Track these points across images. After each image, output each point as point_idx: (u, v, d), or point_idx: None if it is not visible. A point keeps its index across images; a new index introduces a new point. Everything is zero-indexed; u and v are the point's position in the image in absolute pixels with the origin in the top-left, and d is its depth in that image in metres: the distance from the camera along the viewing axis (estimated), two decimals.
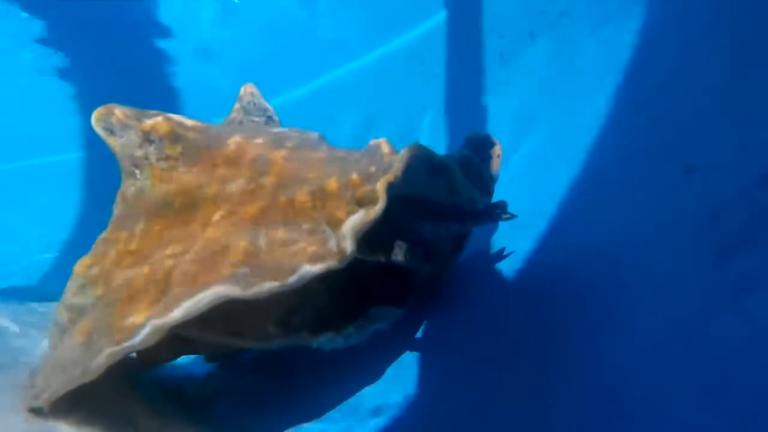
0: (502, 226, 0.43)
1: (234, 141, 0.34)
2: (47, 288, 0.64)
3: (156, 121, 0.34)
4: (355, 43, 0.73)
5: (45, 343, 0.37)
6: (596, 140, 0.40)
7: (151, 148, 0.34)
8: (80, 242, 0.73)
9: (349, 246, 0.28)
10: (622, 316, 0.28)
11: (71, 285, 0.33)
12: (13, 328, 0.44)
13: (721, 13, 0.34)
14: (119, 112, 0.34)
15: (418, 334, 0.40)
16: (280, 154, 0.34)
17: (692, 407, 0.21)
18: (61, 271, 0.69)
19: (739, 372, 0.20)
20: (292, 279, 0.27)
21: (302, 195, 0.31)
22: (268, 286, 0.27)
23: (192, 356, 0.44)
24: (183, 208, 0.32)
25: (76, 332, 0.30)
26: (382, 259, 0.33)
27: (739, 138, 0.28)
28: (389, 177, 0.29)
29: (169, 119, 0.34)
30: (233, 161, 0.34)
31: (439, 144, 0.57)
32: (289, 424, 0.35)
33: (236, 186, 0.32)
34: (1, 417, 0.31)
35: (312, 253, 0.28)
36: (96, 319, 0.30)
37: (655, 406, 0.22)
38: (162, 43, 0.83)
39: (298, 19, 0.79)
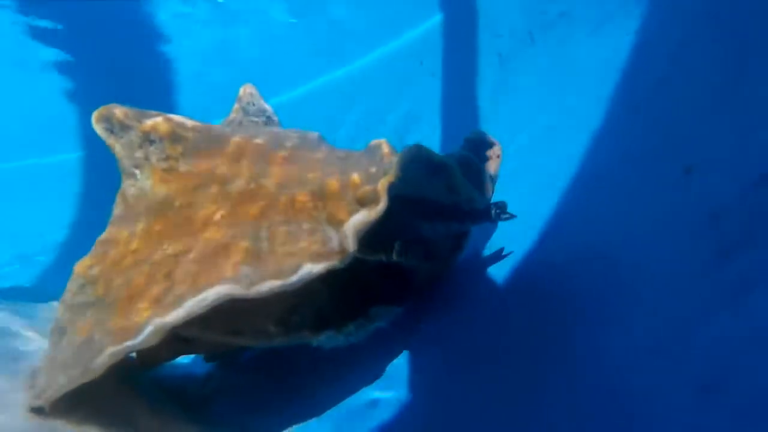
0: (502, 226, 0.44)
1: (234, 141, 0.35)
2: (46, 288, 0.64)
3: (156, 121, 0.34)
4: (354, 43, 0.73)
5: (45, 343, 0.37)
6: (595, 140, 0.40)
7: (152, 149, 0.34)
8: (79, 242, 0.73)
9: (350, 245, 0.28)
10: (621, 316, 0.28)
11: (72, 285, 0.33)
12: (13, 327, 0.44)
13: (719, 13, 0.34)
14: (119, 112, 0.34)
15: (418, 333, 0.40)
16: (280, 155, 0.34)
17: (692, 407, 0.21)
18: (60, 270, 0.69)
19: (739, 372, 0.20)
20: (294, 278, 0.27)
21: (303, 195, 0.31)
22: (270, 285, 0.27)
23: (191, 356, 0.44)
24: (183, 208, 0.33)
25: (77, 332, 0.31)
26: (383, 258, 0.33)
27: (739, 138, 0.28)
28: (390, 177, 0.29)
29: (169, 120, 0.34)
30: (233, 161, 0.34)
31: (438, 144, 0.57)
32: (289, 423, 0.35)
33: (237, 186, 0.32)
34: (2, 416, 0.31)
35: (313, 252, 0.28)
36: (97, 319, 0.30)
37: (655, 406, 0.22)
38: (161, 44, 0.83)
39: (297, 20, 0.79)
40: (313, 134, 0.38)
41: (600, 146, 0.40)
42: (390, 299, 0.37)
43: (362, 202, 0.29)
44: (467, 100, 0.57)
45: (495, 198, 0.38)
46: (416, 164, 0.31)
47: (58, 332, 0.33)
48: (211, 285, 0.27)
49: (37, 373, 0.34)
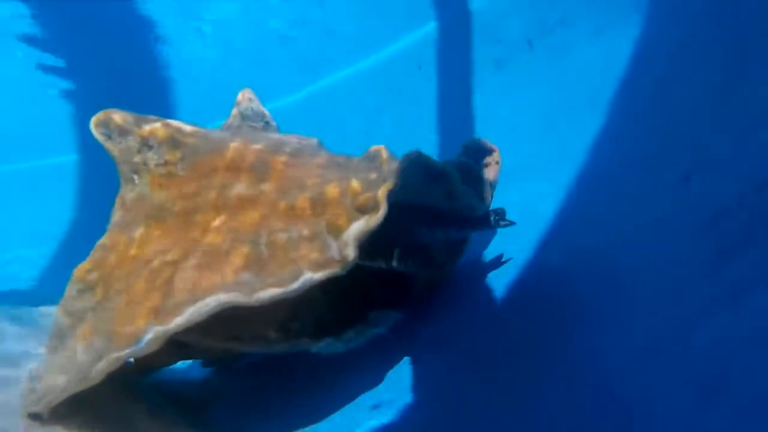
0: (501, 231, 0.44)
1: (233, 146, 0.35)
2: (44, 291, 0.64)
3: (155, 126, 0.34)
4: (352, 47, 0.73)
5: (43, 348, 0.37)
6: (593, 147, 0.40)
7: (150, 154, 0.34)
8: (77, 245, 0.73)
9: (351, 253, 0.28)
10: (621, 318, 0.28)
11: (70, 290, 0.33)
12: (10, 331, 0.44)
13: (719, 17, 0.34)
14: (118, 117, 0.35)
15: (417, 339, 0.40)
16: (279, 160, 0.34)
17: (692, 407, 0.21)
18: (57, 274, 0.68)
19: (739, 372, 0.20)
20: (295, 285, 0.27)
21: (302, 201, 0.31)
22: (271, 292, 0.27)
23: (189, 361, 0.44)
24: (182, 214, 0.33)
25: (76, 337, 0.31)
26: (382, 265, 0.33)
27: (739, 139, 0.28)
28: (389, 184, 0.29)
29: (167, 125, 0.34)
30: (233, 167, 0.34)
31: (436, 149, 0.57)
32: (288, 428, 0.35)
33: (236, 192, 0.33)
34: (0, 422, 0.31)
35: (314, 259, 0.28)
36: (96, 325, 0.30)
37: (655, 407, 0.22)
38: (159, 47, 0.83)
39: (296, 25, 0.79)
40: (313, 140, 0.39)
41: (599, 151, 0.40)
42: (389, 305, 0.37)
43: (362, 209, 0.29)
44: (466, 106, 0.58)
45: (494, 204, 0.38)
46: (416, 171, 0.31)
47: (57, 337, 0.33)
48: (212, 292, 0.27)
49: (35, 378, 0.34)
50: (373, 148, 0.35)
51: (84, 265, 0.33)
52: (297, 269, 0.28)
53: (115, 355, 0.27)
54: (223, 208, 0.32)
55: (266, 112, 0.44)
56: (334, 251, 0.28)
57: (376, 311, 0.36)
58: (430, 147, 0.58)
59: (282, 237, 0.29)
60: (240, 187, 0.33)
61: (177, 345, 0.34)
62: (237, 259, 0.28)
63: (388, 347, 0.38)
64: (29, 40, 0.83)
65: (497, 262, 0.41)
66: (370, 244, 0.30)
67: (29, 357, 0.39)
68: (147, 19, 0.82)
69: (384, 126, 0.64)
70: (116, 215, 0.35)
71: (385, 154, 0.33)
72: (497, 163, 0.39)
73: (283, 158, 0.34)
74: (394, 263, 0.34)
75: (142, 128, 0.34)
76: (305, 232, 0.29)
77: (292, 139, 0.38)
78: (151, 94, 0.81)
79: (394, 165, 0.33)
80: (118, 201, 0.35)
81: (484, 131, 0.43)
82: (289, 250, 0.29)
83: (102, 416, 0.33)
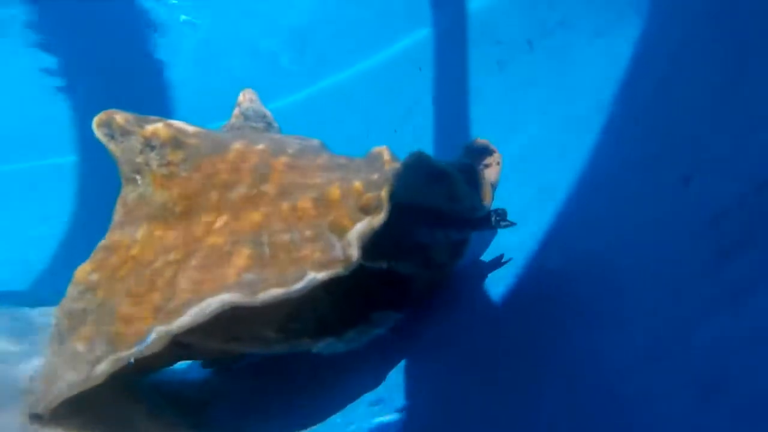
0: (501, 232, 0.44)
1: (235, 147, 0.35)
2: (42, 292, 0.64)
3: (157, 127, 0.34)
4: (352, 48, 0.73)
5: (43, 349, 0.37)
6: (594, 146, 0.40)
7: (152, 154, 0.34)
8: (75, 247, 0.73)
9: (355, 253, 0.28)
10: (621, 319, 0.28)
11: (71, 291, 0.33)
12: (9, 332, 0.44)
13: (719, 20, 0.35)
14: (120, 117, 0.34)
15: (418, 339, 0.40)
16: (281, 161, 0.34)
17: (692, 407, 0.21)
18: (56, 275, 0.68)
19: (739, 372, 0.20)
20: (298, 286, 0.27)
21: (305, 202, 0.31)
22: (274, 293, 0.27)
23: (188, 362, 0.44)
24: (184, 215, 0.33)
25: (77, 338, 0.31)
26: (384, 265, 0.33)
27: (739, 140, 0.28)
28: (392, 185, 0.29)
29: (170, 125, 0.34)
30: (235, 168, 0.34)
31: (437, 150, 0.57)
32: (288, 428, 0.36)
33: (238, 192, 0.33)
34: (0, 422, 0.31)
35: (317, 260, 0.28)
36: (97, 326, 0.30)
37: (655, 407, 0.22)
38: (160, 47, 0.83)
39: (296, 25, 0.79)
40: (314, 141, 0.39)
41: (599, 152, 0.40)
42: (390, 305, 0.37)
43: (365, 210, 0.29)
44: (466, 107, 0.58)
45: (495, 205, 0.38)
46: (418, 172, 0.31)
47: (57, 338, 0.33)
48: (215, 293, 0.27)
49: (36, 379, 0.33)
50: (375, 149, 0.35)
51: (85, 266, 0.33)
52: (300, 269, 0.28)
53: (118, 355, 0.27)
54: (225, 208, 0.32)
55: (268, 113, 0.44)
56: (337, 251, 0.28)
57: (377, 311, 0.36)
58: (430, 148, 0.59)
59: (284, 237, 0.29)
60: (242, 188, 0.33)
61: (177, 345, 0.34)
62: (240, 260, 0.28)
63: (388, 348, 0.38)
64: (29, 40, 0.83)
65: (497, 262, 0.41)
66: (372, 245, 0.30)
67: (29, 358, 0.39)
68: (147, 19, 0.82)
69: (385, 127, 0.64)
70: (118, 216, 0.35)
71: (387, 155, 0.33)
72: (498, 164, 0.39)
73: (284, 159, 0.34)
74: (396, 264, 0.34)
75: (145, 128, 0.34)
76: (308, 232, 0.30)
77: (294, 140, 0.38)
78: (151, 95, 0.81)
79: (396, 166, 0.33)
80: (119, 201, 0.35)
81: (485, 132, 0.43)
82: (292, 251, 0.29)
83: (102, 417, 0.33)
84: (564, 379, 0.28)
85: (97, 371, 0.28)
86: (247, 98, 0.45)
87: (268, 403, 0.40)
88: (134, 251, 0.32)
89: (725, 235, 0.25)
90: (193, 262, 0.29)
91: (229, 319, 0.30)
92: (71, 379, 0.29)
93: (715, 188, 0.28)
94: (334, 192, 0.31)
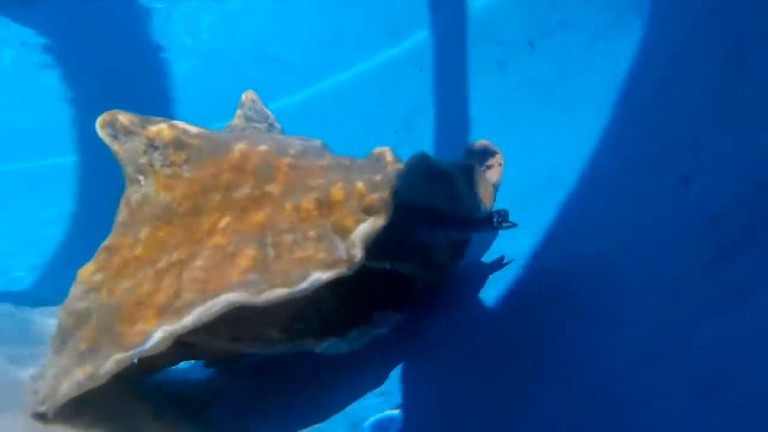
0: (501, 233, 0.44)
1: (238, 148, 0.35)
2: (42, 293, 0.64)
3: (161, 127, 0.34)
4: (353, 49, 0.73)
5: (45, 349, 0.37)
6: (594, 147, 0.41)
7: (156, 155, 0.34)
8: (75, 247, 0.73)
9: (358, 253, 0.28)
10: (621, 319, 0.29)
11: (75, 291, 0.33)
12: (10, 332, 0.44)
13: (718, 21, 0.35)
14: (123, 118, 0.35)
15: (419, 339, 0.40)
16: (284, 162, 0.34)
17: (692, 408, 0.21)
18: (55, 275, 0.68)
19: (739, 372, 0.21)
20: (303, 286, 0.27)
21: (308, 202, 0.31)
22: (279, 293, 0.27)
23: (191, 362, 0.44)
24: (188, 215, 0.33)
25: (82, 338, 0.31)
26: (387, 265, 0.34)
27: (738, 141, 0.29)
28: (395, 186, 0.29)
29: (173, 126, 0.34)
30: (238, 168, 0.34)
31: (439, 151, 0.57)
32: (289, 428, 0.36)
33: (241, 193, 0.33)
34: (4, 422, 0.31)
35: (321, 260, 0.28)
36: (102, 325, 0.30)
37: (655, 407, 0.22)
38: (160, 48, 0.83)
39: (298, 26, 0.80)
40: (317, 141, 0.39)
41: (599, 152, 0.41)
42: (392, 305, 0.37)
43: (368, 211, 0.30)
44: (467, 107, 0.58)
45: (496, 206, 0.38)
46: (420, 173, 0.31)
47: (61, 338, 0.33)
48: (220, 292, 0.27)
49: (40, 379, 0.34)
50: (378, 149, 0.35)
51: (89, 266, 0.33)
52: (305, 270, 0.28)
53: (123, 355, 0.27)
54: (229, 209, 0.32)
55: (270, 114, 0.44)
56: (341, 252, 0.29)
57: (379, 311, 0.36)
58: (431, 148, 0.59)
59: (288, 238, 0.30)
60: (245, 189, 0.33)
61: (181, 345, 0.34)
62: (244, 260, 0.28)
63: (389, 348, 0.38)
64: (29, 40, 0.83)
65: (498, 263, 0.41)
66: (375, 245, 0.30)
67: (31, 358, 0.39)
68: (148, 20, 0.82)
69: (386, 127, 0.65)
70: (121, 216, 0.35)
71: (389, 155, 0.34)
72: (500, 165, 0.39)
73: (287, 160, 0.34)
74: (398, 264, 0.34)
75: (148, 129, 0.34)
76: (311, 233, 0.30)
77: (296, 141, 0.38)
78: (152, 95, 0.81)
79: (399, 167, 0.33)
80: (123, 202, 0.35)
81: (486, 133, 0.43)
82: (296, 251, 0.29)
83: (106, 417, 0.33)
84: (564, 378, 0.28)
85: (101, 371, 0.28)
86: (249, 99, 0.45)
87: (269, 402, 0.40)
88: (138, 251, 0.32)
89: (725, 235, 0.25)
90: (198, 262, 0.29)
91: (234, 319, 0.30)
92: (76, 379, 0.29)
93: (715, 188, 0.28)
94: (338, 193, 0.31)
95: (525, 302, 0.36)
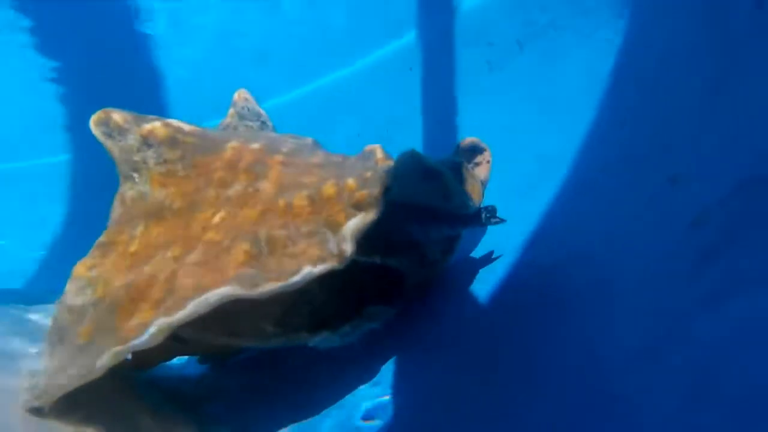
0: (491, 229, 0.45)
1: (231, 146, 0.35)
2: (35, 291, 0.64)
3: (154, 125, 0.35)
4: (345, 49, 0.74)
5: (41, 345, 0.37)
6: (582, 147, 0.41)
7: (150, 153, 0.35)
8: (68, 245, 0.73)
9: (349, 248, 0.29)
10: (607, 317, 0.29)
11: (71, 287, 0.34)
12: (6, 329, 0.44)
13: (704, 27, 0.35)
14: (118, 116, 0.35)
15: (410, 335, 0.41)
16: (276, 159, 0.35)
17: (682, 404, 0.21)
18: (48, 274, 0.68)
19: (722, 367, 0.21)
20: (295, 279, 0.28)
21: (300, 199, 0.32)
22: (272, 286, 0.28)
23: (185, 357, 0.44)
24: (182, 212, 0.33)
25: (78, 333, 0.31)
26: (377, 260, 0.34)
27: (720, 145, 0.29)
28: (385, 182, 0.30)
29: (167, 124, 0.35)
30: (231, 166, 0.34)
31: (429, 149, 0.58)
32: (285, 422, 0.36)
33: (235, 190, 0.33)
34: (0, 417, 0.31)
35: (313, 254, 0.29)
36: (98, 320, 0.30)
37: (646, 402, 0.23)
38: (153, 47, 0.83)
39: (290, 25, 0.80)
40: (308, 139, 0.39)
41: (587, 151, 0.41)
42: (384, 300, 0.38)
43: (359, 206, 0.30)
44: (457, 106, 0.58)
45: (485, 202, 0.39)
46: (410, 169, 0.32)
47: (57, 334, 0.34)
48: (215, 286, 0.27)
49: (36, 374, 0.34)
50: (368, 147, 0.36)
51: (84, 262, 0.33)
52: (297, 264, 0.29)
53: (119, 348, 0.27)
54: (223, 206, 0.33)
55: (262, 112, 0.45)
56: (332, 246, 0.29)
57: (370, 306, 0.37)
58: (422, 146, 0.59)
59: (281, 233, 0.30)
60: (238, 186, 0.33)
61: (176, 341, 0.35)
62: (238, 255, 0.29)
63: (381, 342, 0.39)
64: (23, 39, 0.83)
65: (488, 259, 0.42)
66: (366, 240, 0.31)
67: (26, 354, 0.39)
68: (142, 19, 0.82)
69: (377, 126, 0.65)
70: (116, 213, 0.35)
71: (380, 153, 0.34)
72: (488, 162, 0.40)
73: (280, 158, 0.35)
74: (389, 259, 0.35)
75: (142, 127, 0.34)
76: (304, 228, 0.30)
77: (289, 139, 0.38)
78: (146, 94, 0.81)
79: (389, 163, 0.34)
80: (117, 199, 0.36)
81: (475, 131, 0.44)
82: (289, 246, 0.29)
83: (102, 411, 0.33)
84: (554, 371, 0.29)
85: (98, 364, 0.28)
86: (242, 98, 0.45)
87: (264, 397, 0.40)
88: (133, 248, 0.33)
89: (707, 238, 0.26)
90: (193, 257, 0.30)
91: (228, 314, 0.31)
92: (73, 373, 0.29)
93: (697, 191, 0.29)
94: (329, 189, 0.31)
95: (514, 297, 0.37)
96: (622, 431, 0.23)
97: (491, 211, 0.38)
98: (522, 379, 0.30)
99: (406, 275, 0.39)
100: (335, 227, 0.30)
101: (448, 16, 0.63)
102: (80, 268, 0.33)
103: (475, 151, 0.40)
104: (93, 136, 0.36)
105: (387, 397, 0.35)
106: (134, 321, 0.28)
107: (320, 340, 0.35)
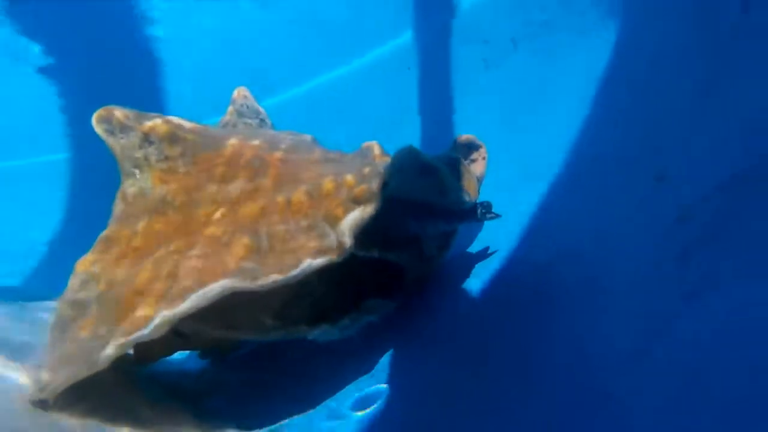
0: (486, 225, 0.45)
1: (231, 143, 0.36)
2: (35, 288, 0.64)
3: (156, 122, 0.35)
4: (343, 47, 0.74)
5: (42, 340, 0.38)
6: (574, 146, 0.42)
7: (151, 149, 0.35)
8: (69, 243, 0.73)
9: (348, 241, 0.30)
10: (595, 312, 0.30)
11: (73, 282, 0.34)
12: (7, 326, 0.44)
13: (694, 30, 0.36)
14: (119, 113, 0.36)
15: (407, 329, 0.41)
16: (276, 156, 0.35)
17: (666, 396, 0.22)
18: (48, 271, 0.69)
19: (704, 360, 0.22)
20: (295, 272, 0.29)
21: (299, 194, 0.32)
22: (273, 278, 0.28)
23: (186, 353, 0.45)
24: (183, 208, 0.34)
25: (81, 327, 0.32)
26: (375, 254, 0.35)
27: (706, 149, 0.30)
28: (383, 177, 0.31)
29: (168, 121, 0.35)
30: (231, 162, 0.35)
31: (426, 146, 0.58)
32: (283, 415, 0.37)
33: (235, 186, 0.34)
34: (5, 409, 0.32)
35: (313, 248, 0.29)
36: (101, 314, 0.31)
37: (631, 399, 0.23)
38: (153, 45, 0.83)
39: (288, 24, 0.80)
40: (307, 136, 0.40)
41: (579, 149, 0.42)
42: (382, 294, 0.38)
43: (357, 201, 0.31)
44: (454, 104, 0.59)
45: (480, 198, 0.39)
46: (407, 165, 0.32)
47: (60, 328, 0.34)
48: (216, 279, 0.28)
49: (39, 368, 0.34)
50: (366, 143, 0.36)
51: (87, 258, 0.34)
52: (297, 257, 0.29)
53: (123, 340, 0.28)
54: (223, 202, 0.33)
55: (261, 110, 0.45)
56: (332, 239, 0.30)
57: (369, 300, 0.38)
58: (419, 142, 0.60)
59: (281, 228, 0.31)
60: (239, 182, 0.34)
61: (175, 334, 0.35)
62: (239, 249, 0.30)
63: (379, 335, 0.40)
64: (23, 38, 0.83)
65: (483, 254, 0.43)
66: (364, 234, 0.32)
67: (29, 349, 0.39)
68: (141, 17, 0.82)
69: (375, 123, 0.66)
70: (118, 209, 0.36)
71: (377, 149, 0.35)
72: (484, 158, 0.40)
73: (279, 154, 0.36)
74: (387, 253, 0.35)
75: (144, 124, 0.35)
76: (303, 223, 0.31)
77: (287, 136, 0.39)
78: (145, 92, 0.81)
79: (387, 160, 0.34)
80: (119, 195, 0.36)
81: (471, 128, 0.44)
82: (289, 240, 0.30)
83: (104, 404, 0.34)
84: (546, 364, 0.30)
85: (102, 356, 0.29)
86: (241, 95, 0.46)
87: (263, 391, 0.41)
88: (135, 243, 0.33)
89: (690, 234, 0.27)
90: (194, 251, 0.30)
91: (228, 307, 0.32)
92: (76, 366, 0.30)
93: (681, 190, 0.30)
94: (328, 185, 0.32)
95: (507, 293, 0.38)
96: (611, 425, 0.23)
97: (487, 206, 0.38)
98: (514, 375, 0.31)
99: (403, 269, 0.39)
100: (334, 221, 0.31)
101: (445, 15, 0.64)
102: (83, 264, 0.34)
103: (471, 147, 0.40)
104: (94, 134, 0.36)
105: (384, 385, 0.36)
106: (138, 313, 0.28)
107: (319, 333, 0.35)
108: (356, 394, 0.37)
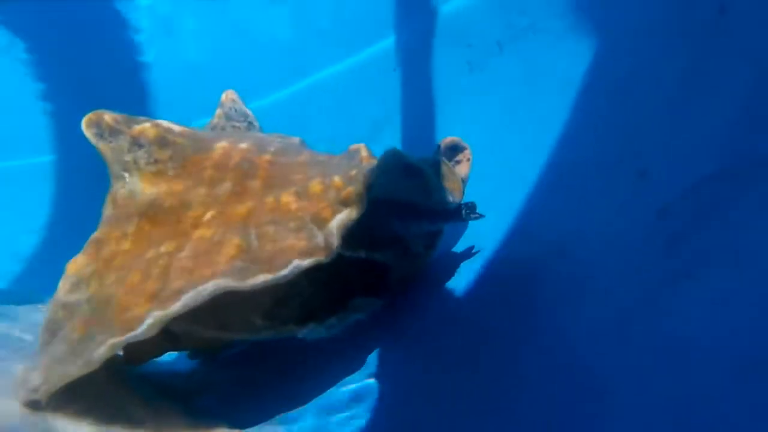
0: (471, 225, 0.46)
1: (220, 146, 0.36)
2: (25, 291, 0.64)
3: (145, 126, 0.36)
4: (329, 50, 0.75)
5: (34, 342, 0.38)
6: (556, 145, 0.43)
7: (140, 153, 0.36)
8: (55, 245, 0.73)
9: (335, 241, 0.31)
10: (579, 307, 0.31)
11: (64, 284, 0.35)
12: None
13: (674, 31, 0.37)
14: (109, 117, 0.36)
15: (394, 328, 0.42)
16: (265, 158, 0.36)
17: (658, 378, 0.23)
18: (38, 273, 0.69)
19: (682, 347, 0.23)
20: (285, 272, 0.29)
21: (288, 196, 0.33)
22: (263, 278, 0.29)
23: (176, 353, 0.45)
24: (173, 210, 0.34)
25: (73, 328, 0.32)
26: (362, 254, 0.36)
27: (684, 147, 0.31)
28: (369, 179, 0.31)
29: (157, 125, 0.36)
30: (220, 165, 0.36)
31: (411, 147, 0.59)
32: (273, 412, 0.37)
33: (224, 188, 0.34)
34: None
35: (301, 248, 0.30)
36: (93, 314, 0.32)
37: (630, 384, 0.24)
38: (141, 47, 0.83)
39: (275, 26, 0.81)
40: (295, 139, 0.41)
41: (561, 148, 0.43)
42: (369, 293, 0.39)
43: (344, 203, 0.32)
44: (439, 106, 0.60)
45: (465, 198, 0.40)
46: (393, 167, 0.33)
47: (51, 330, 0.35)
48: (208, 278, 0.29)
49: (31, 370, 0.35)
50: (353, 146, 0.37)
51: (78, 259, 0.34)
52: (286, 257, 0.30)
53: (116, 340, 0.29)
54: (213, 204, 0.34)
55: (249, 112, 0.46)
56: (320, 240, 0.31)
57: (356, 299, 0.38)
58: (404, 144, 0.61)
59: (270, 229, 0.32)
60: (228, 185, 0.35)
61: (167, 335, 0.36)
62: (229, 249, 0.30)
63: (367, 334, 0.40)
64: (10, 40, 0.83)
65: (468, 253, 0.44)
66: (351, 235, 0.32)
67: (21, 351, 0.40)
68: (129, 20, 0.82)
69: (361, 125, 0.66)
70: (107, 212, 0.36)
71: (364, 151, 0.36)
72: (468, 160, 0.41)
73: (267, 157, 0.36)
74: (373, 253, 0.36)
75: (133, 128, 0.35)
76: (292, 224, 0.32)
77: (275, 139, 0.40)
78: (133, 95, 0.81)
79: (373, 162, 0.35)
80: (108, 198, 0.37)
81: (456, 130, 0.45)
82: (278, 241, 0.31)
83: (97, 404, 0.34)
84: (533, 357, 0.30)
85: (95, 356, 0.29)
86: (229, 98, 0.46)
87: (254, 390, 0.41)
88: (126, 245, 0.34)
89: (670, 228, 0.28)
90: (185, 252, 0.31)
91: (219, 307, 0.32)
92: (69, 366, 0.30)
93: (662, 186, 0.31)
94: (316, 187, 0.33)
95: (492, 291, 0.39)
96: (601, 421, 0.24)
97: (471, 207, 0.39)
98: (500, 372, 0.31)
99: (390, 269, 0.40)
100: (322, 223, 0.31)
101: (430, 18, 0.64)
102: (74, 265, 0.34)
103: (456, 149, 0.41)
104: (83, 137, 0.37)
105: (372, 380, 0.36)
106: (130, 314, 0.29)
107: (308, 331, 0.36)
108: (344, 391, 0.37)
